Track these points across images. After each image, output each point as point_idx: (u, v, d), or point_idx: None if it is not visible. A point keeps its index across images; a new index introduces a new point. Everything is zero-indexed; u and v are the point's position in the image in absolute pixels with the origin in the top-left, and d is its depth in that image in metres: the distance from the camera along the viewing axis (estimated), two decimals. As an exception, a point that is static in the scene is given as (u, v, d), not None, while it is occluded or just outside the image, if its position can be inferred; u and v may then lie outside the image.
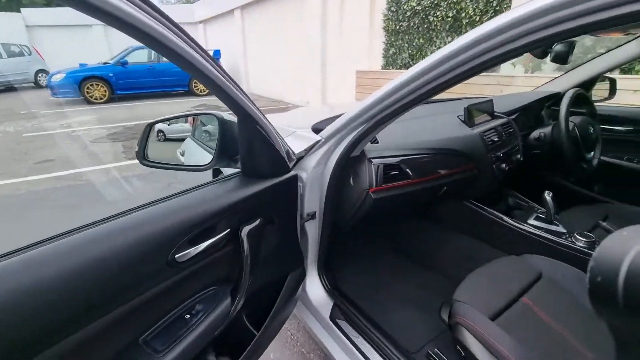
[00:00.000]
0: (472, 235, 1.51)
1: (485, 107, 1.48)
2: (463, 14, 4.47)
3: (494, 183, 1.39)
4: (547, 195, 1.32)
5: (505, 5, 4.06)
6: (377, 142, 1.14)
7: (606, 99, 1.82)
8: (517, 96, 1.75)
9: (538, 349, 0.84)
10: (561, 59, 1.05)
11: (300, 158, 1.07)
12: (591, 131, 1.49)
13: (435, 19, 4.87)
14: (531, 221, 1.37)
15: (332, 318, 1.14)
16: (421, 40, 5.20)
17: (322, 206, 1.10)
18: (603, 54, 1.64)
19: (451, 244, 1.56)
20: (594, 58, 1.69)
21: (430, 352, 1.07)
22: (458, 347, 0.90)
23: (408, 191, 1.16)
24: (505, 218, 1.38)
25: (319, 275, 1.23)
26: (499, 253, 1.40)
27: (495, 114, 1.55)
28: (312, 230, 1.14)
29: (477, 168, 1.33)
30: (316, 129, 1.11)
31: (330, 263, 1.32)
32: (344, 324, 1.12)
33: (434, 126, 1.36)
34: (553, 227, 1.31)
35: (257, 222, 0.83)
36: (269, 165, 0.88)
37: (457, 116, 1.44)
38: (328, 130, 1.03)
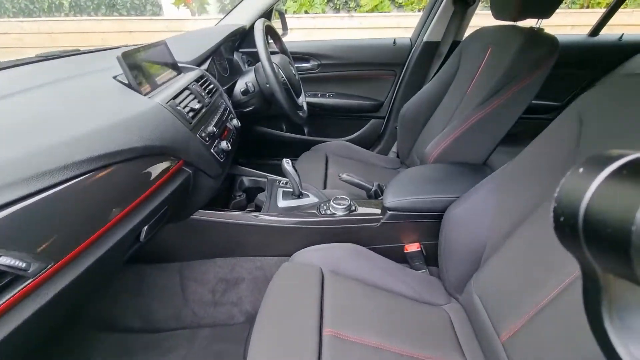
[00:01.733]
0: (220, 254, 1.01)
1: (158, 55, 0.87)
2: None
3: (221, 175, 0.90)
4: (287, 165, 1.00)
5: None
6: None
7: (282, 35, 1.69)
8: (195, 37, 1.25)
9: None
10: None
11: None
12: (294, 72, 1.26)
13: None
14: (281, 203, 1.03)
15: None
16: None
17: None
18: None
19: (200, 279, 1.01)
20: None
21: None
22: None
23: (66, 288, 0.44)
24: (252, 216, 0.96)
25: None
26: (264, 260, 1.01)
27: (181, 65, 0.98)
28: None
29: (188, 164, 0.76)
30: None
31: None
32: None
33: (66, 106, 0.61)
34: (305, 201, 1.04)
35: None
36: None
37: (114, 77, 0.75)
38: None
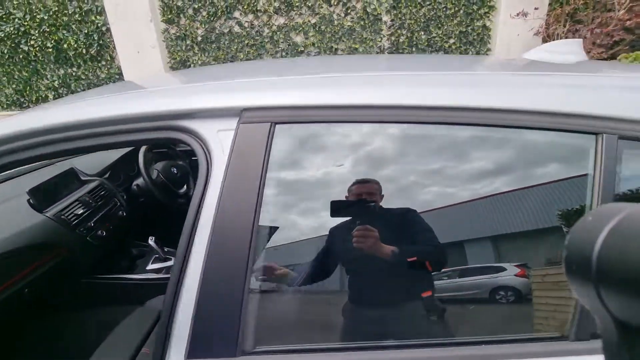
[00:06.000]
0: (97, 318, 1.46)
1: (64, 180, 1.42)
2: (65, 45, 4.07)
3: (96, 252, 1.41)
4: (151, 241, 1.51)
5: (107, 40, 4.08)
6: None
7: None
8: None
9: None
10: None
11: None
12: (175, 172, 1.81)
13: (32, 49, 4.13)
14: (150, 266, 1.53)
15: None
16: (25, 73, 4.29)
17: None
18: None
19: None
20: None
21: None
22: None
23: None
24: (123, 278, 1.45)
25: None
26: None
27: (84, 178, 1.53)
28: None
29: (67, 249, 1.28)
30: None
31: None
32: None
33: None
34: (171, 263, 1.53)
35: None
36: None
37: (29, 200, 1.29)
38: None
